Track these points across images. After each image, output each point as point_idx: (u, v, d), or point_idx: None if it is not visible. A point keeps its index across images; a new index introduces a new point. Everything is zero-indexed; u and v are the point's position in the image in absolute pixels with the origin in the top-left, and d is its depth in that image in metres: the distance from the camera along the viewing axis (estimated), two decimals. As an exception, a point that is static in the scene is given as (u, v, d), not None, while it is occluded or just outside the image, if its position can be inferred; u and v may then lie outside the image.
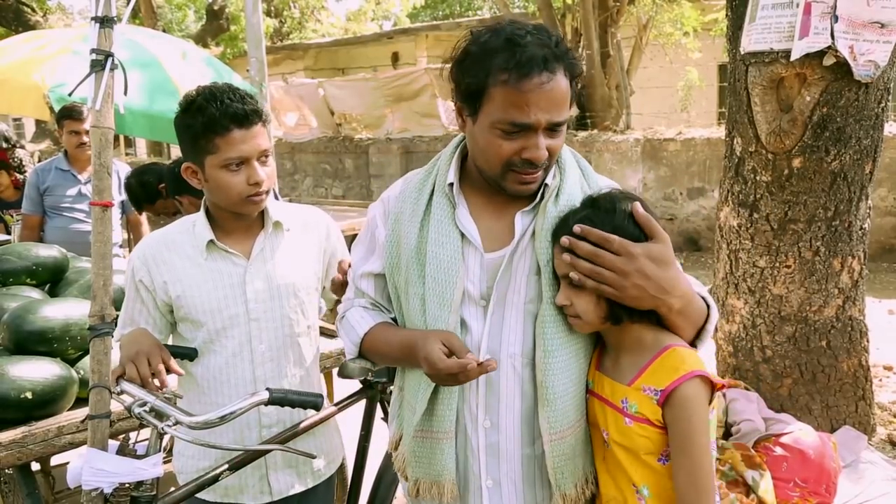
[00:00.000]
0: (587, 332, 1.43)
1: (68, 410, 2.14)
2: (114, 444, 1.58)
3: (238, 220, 1.81)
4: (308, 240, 1.91)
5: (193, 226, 1.82)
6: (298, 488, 1.88)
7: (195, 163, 1.73)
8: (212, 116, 1.65)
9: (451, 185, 1.45)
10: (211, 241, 1.77)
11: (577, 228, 1.30)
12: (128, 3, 1.73)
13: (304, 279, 1.88)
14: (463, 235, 1.43)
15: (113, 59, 1.54)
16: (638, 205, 1.31)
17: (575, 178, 1.46)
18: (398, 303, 1.53)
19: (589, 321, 1.36)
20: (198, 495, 1.72)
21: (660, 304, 1.32)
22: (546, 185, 1.42)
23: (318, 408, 1.67)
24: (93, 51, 1.53)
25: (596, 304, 1.34)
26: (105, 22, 1.53)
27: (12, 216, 4.64)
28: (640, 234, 1.31)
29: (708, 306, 1.41)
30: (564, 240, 1.31)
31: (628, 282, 1.28)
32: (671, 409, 1.32)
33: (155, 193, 3.18)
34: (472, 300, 1.44)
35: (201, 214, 1.82)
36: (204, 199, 1.83)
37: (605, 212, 1.33)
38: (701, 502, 1.30)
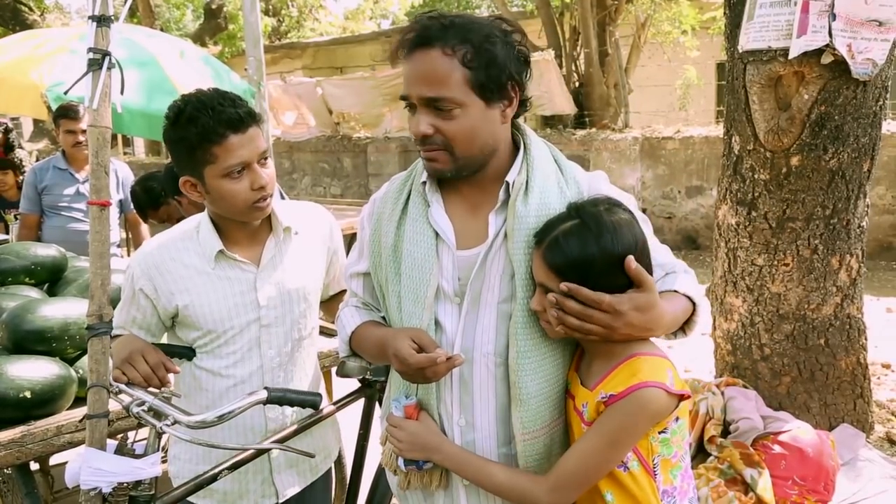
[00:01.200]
0: (559, 338, 1.42)
1: (67, 410, 2.14)
2: (112, 443, 1.58)
3: (244, 227, 1.76)
4: (314, 241, 1.90)
5: (197, 233, 1.76)
6: (299, 487, 1.89)
7: (193, 176, 1.67)
8: (205, 125, 1.58)
9: (424, 183, 1.48)
10: (220, 251, 1.72)
11: (563, 287, 1.28)
12: (125, 2, 1.73)
13: (313, 282, 1.88)
14: (437, 233, 1.45)
15: (110, 58, 1.54)
16: (631, 259, 1.27)
17: (548, 174, 1.44)
18: (382, 301, 1.56)
19: (558, 332, 1.35)
20: (195, 501, 1.71)
21: (641, 337, 1.34)
22: (507, 182, 1.42)
23: (316, 407, 1.67)
24: (90, 50, 1.52)
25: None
26: (102, 21, 1.52)
27: (12, 215, 4.64)
28: (621, 266, 1.27)
29: (694, 304, 1.43)
30: (552, 297, 1.29)
31: (615, 333, 1.29)
32: (609, 409, 1.31)
33: (158, 198, 3.23)
34: (448, 297, 1.45)
35: (206, 221, 1.76)
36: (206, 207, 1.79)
37: (594, 235, 1.29)
38: (569, 482, 1.32)
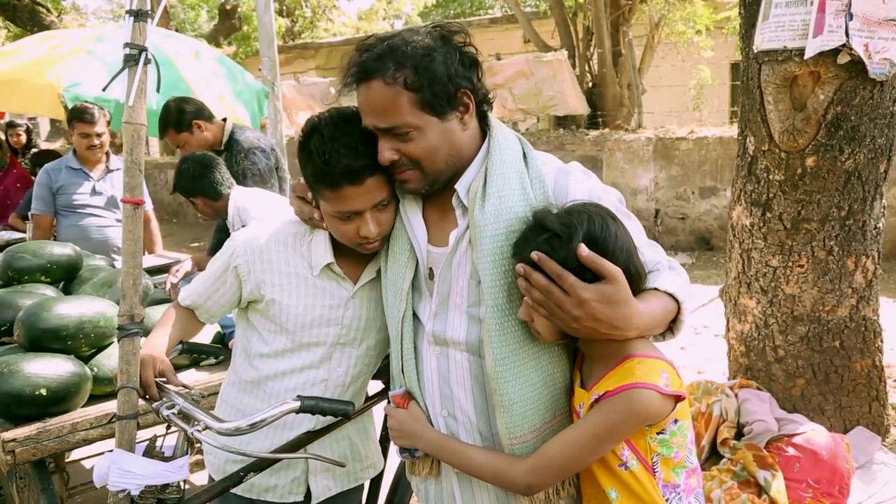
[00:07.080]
0: (550, 343, 1.41)
1: (82, 407, 2.16)
2: (140, 445, 1.59)
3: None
4: None
5: (310, 238, 1.72)
6: (335, 490, 1.88)
7: (311, 191, 1.62)
8: (321, 170, 1.49)
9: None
10: (329, 264, 1.69)
11: (534, 256, 1.24)
12: (158, 2, 1.72)
13: None
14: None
15: (146, 54, 1.50)
16: (583, 247, 1.23)
17: (510, 176, 1.41)
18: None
19: (548, 339, 1.36)
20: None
21: (613, 337, 1.28)
22: (456, 190, 1.43)
23: (348, 416, 1.66)
24: (126, 45, 1.49)
25: (550, 324, 1.32)
26: (139, 15, 1.49)
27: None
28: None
29: (679, 302, 1.36)
30: (519, 268, 1.27)
31: (577, 324, 1.24)
32: (599, 404, 1.32)
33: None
34: (425, 292, 1.51)
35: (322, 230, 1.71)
36: None
37: (564, 239, 1.26)
38: (548, 466, 1.34)
